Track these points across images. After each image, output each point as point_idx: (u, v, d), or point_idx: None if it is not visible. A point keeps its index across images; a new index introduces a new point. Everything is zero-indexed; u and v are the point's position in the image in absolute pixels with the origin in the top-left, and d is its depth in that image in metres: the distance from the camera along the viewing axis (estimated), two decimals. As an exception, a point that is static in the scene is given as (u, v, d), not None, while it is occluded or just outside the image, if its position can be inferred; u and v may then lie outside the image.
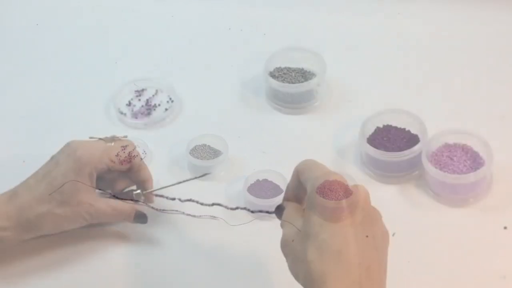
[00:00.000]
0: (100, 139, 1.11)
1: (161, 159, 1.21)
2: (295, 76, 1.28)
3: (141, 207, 1.11)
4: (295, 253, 0.86)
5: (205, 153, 1.19)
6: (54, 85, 1.35)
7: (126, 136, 1.12)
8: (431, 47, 1.34)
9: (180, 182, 1.13)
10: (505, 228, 1.09)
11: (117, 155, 1.09)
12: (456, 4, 1.39)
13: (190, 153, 1.19)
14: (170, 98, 1.29)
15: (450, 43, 1.34)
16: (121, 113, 1.28)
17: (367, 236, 0.84)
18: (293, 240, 0.87)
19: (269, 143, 1.23)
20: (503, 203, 1.12)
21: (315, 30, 1.39)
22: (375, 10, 1.41)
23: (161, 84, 1.31)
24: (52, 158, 1.08)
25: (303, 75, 1.28)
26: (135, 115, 1.28)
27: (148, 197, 1.12)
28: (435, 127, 1.16)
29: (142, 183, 1.12)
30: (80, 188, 1.05)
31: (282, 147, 1.22)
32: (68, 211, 1.05)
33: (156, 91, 1.31)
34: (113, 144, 1.10)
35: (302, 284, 0.84)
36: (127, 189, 1.13)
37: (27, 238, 1.07)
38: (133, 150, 1.10)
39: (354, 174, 1.17)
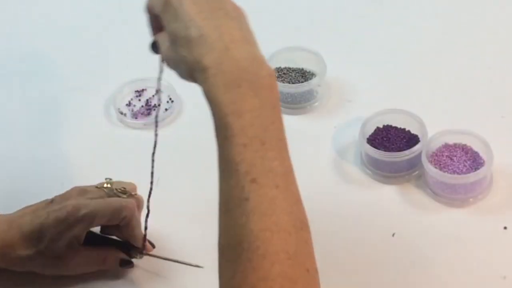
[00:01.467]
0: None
1: (160, 159, 1.21)
2: (295, 76, 1.28)
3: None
4: (174, 61, 0.91)
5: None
6: (53, 85, 1.35)
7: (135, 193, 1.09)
8: (431, 47, 1.34)
9: (175, 261, 1.08)
10: (505, 228, 1.09)
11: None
12: (456, 5, 1.39)
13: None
14: (170, 98, 1.29)
15: (450, 43, 1.34)
16: (121, 113, 1.28)
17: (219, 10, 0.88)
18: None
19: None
20: (503, 203, 1.12)
21: (315, 30, 1.39)
22: (375, 10, 1.41)
23: (161, 84, 1.31)
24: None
25: (303, 75, 1.28)
26: (135, 115, 1.28)
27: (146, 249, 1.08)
28: (435, 127, 1.16)
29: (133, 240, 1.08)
30: (63, 244, 1.02)
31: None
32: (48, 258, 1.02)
33: (156, 91, 1.31)
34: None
35: (190, 79, 0.90)
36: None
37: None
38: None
39: (354, 174, 1.17)
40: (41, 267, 1.04)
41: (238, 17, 0.89)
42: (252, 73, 0.84)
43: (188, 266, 1.05)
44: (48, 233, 1.01)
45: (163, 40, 0.92)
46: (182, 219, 1.14)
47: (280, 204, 0.82)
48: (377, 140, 1.17)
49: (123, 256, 1.07)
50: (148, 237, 1.08)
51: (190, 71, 0.88)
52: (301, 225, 0.84)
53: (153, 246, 1.08)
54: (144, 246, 1.06)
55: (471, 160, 1.13)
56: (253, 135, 0.82)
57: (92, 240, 1.06)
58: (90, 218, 1.02)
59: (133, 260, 1.07)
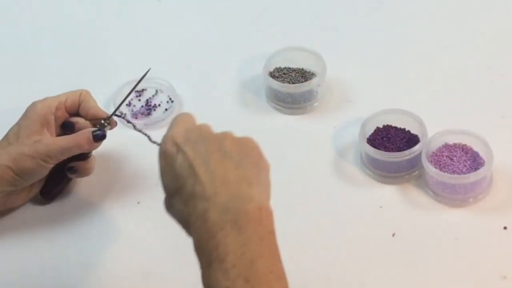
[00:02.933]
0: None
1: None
2: (295, 76, 1.28)
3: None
4: (173, 212, 0.92)
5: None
6: (53, 85, 1.35)
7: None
8: (431, 47, 1.34)
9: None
10: (505, 228, 1.09)
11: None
12: (456, 5, 1.39)
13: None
14: (170, 98, 1.29)
15: (450, 43, 1.34)
16: (121, 113, 1.28)
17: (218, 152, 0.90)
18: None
19: (269, 143, 1.22)
20: (503, 203, 1.12)
21: (315, 30, 1.39)
22: (375, 10, 1.41)
23: (161, 84, 1.31)
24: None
25: (303, 75, 1.28)
26: (135, 115, 1.28)
27: (111, 123, 1.15)
28: (435, 127, 1.16)
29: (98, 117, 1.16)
30: (33, 129, 1.10)
31: (282, 147, 1.22)
32: (22, 152, 1.08)
33: (156, 91, 1.31)
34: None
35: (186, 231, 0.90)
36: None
37: None
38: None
39: (354, 174, 1.17)
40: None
41: (239, 156, 0.90)
42: (236, 212, 0.85)
43: None
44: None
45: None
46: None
47: None
48: (377, 140, 1.17)
49: (93, 129, 1.12)
50: (149, 234, 1.08)
51: (184, 223, 0.89)
52: None
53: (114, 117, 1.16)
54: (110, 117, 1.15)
55: (471, 160, 1.13)
56: (235, 275, 0.82)
57: None
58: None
59: None
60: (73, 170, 1.13)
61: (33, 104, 1.13)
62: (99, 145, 1.13)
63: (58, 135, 1.13)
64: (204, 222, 0.85)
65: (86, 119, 1.15)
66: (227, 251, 0.83)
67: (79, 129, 1.13)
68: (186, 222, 0.88)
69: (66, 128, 1.14)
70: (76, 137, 1.11)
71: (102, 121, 1.14)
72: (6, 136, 1.11)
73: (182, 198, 0.88)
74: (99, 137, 1.12)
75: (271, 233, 0.87)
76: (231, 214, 0.85)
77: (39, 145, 1.09)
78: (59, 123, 1.14)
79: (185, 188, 0.88)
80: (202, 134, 0.92)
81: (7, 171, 1.07)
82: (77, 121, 1.15)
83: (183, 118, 0.96)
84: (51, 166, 1.09)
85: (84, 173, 1.14)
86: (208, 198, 0.86)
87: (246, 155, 0.90)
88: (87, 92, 1.17)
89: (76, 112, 1.16)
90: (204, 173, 0.88)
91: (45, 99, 1.14)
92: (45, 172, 1.10)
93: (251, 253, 0.83)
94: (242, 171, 0.89)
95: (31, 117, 1.11)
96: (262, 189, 0.89)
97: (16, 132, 1.11)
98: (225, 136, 0.92)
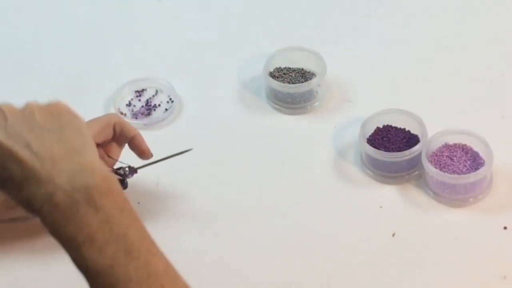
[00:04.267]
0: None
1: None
2: (295, 76, 1.28)
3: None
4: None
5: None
6: (53, 85, 1.35)
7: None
8: (431, 47, 1.34)
9: (165, 158, 1.12)
10: (505, 228, 1.09)
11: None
12: (456, 5, 1.40)
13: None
14: (170, 99, 1.29)
15: (450, 43, 1.34)
16: (121, 113, 1.28)
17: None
18: None
19: (269, 143, 1.23)
20: (503, 203, 1.12)
21: (315, 30, 1.39)
22: (375, 10, 1.41)
23: (161, 84, 1.31)
24: None
25: (303, 75, 1.28)
26: (135, 115, 1.28)
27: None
28: (435, 127, 1.16)
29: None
30: None
31: (282, 147, 1.22)
32: None
33: (156, 91, 1.31)
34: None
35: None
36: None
37: None
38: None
39: (354, 174, 1.17)
40: None
41: (54, 125, 0.85)
42: (83, 189, 0.81)
43: None
44: None
45: None
46: (182, 219, 1.14)
47: None
48: (377, 140, 1.17)
49: (116, 176, 1.07)
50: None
51: (28, 210, 0.83)
52: None
53: (151, 155, 1.10)
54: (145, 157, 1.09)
55: (471, 160, 1.13)
56: (113, 251, 0.81)
57: None
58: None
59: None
60: None
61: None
62: None
63: None
64: (54, 207, 0.81)
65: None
66: (93, 231, 0.81)
67: None
68: (28, 208, 0.83)
69: None
70: None
71: (126, 168, 1.09)
72: None
73: (13, 188, 0.83)
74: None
75: (126, 200, 0.84)
76: (79, 192, 0.81)
77: None
78: None
79: (12, 178, 0.82)
80: (7, 115, 0.85)
81: None
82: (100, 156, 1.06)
83: None
84: None
85: None
86: (47, 182, 0.81)
87: (62, 123, 0.85)
88: (120, 119, 1.10)
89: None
90: (30, 157, 0.82)
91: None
92: None
93: (119, 227, 0.81)
94: (66, 142, 0.84)
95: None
96: (92, 152, 0.85)
97: None
98: (31, 109, 0.86)
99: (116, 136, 1.10)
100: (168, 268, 0.83)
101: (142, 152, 1.10)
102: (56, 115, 0.86)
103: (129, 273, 0.80)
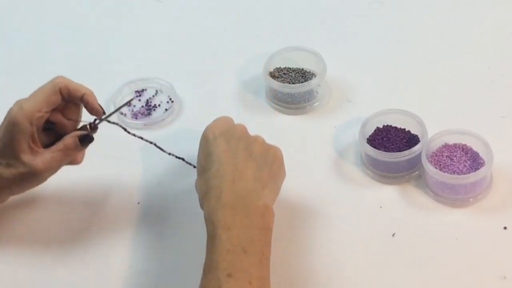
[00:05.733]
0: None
1: (161, 159, 1.21)
2: (295, 76, 1.28)
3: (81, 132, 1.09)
4: (197, 187, 1.06)
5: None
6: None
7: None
8: (431, 47, 1.34)
9: (117, 110, 1.13)
10: (505, 228, 1.09)
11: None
12: (456, 5, 1.40)
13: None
14: (170, 99, 1.30)
15: (450, 43, 1.34)
16: (121, 113, 1.28)
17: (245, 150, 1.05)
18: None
19: (269, 143, 1.23)
20: (503, 203, 1.12)
21: (315, 30, 1.39)
22: (375, 10, 1.41)
23: (161, 84, 1.31)
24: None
25: (303, 75, 1.28)
26: (135, 116, 1.28)
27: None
28: (435, 127, 1.16)
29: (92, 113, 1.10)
30: (19, 149, 1.04)
31: (282, 147, 1.22)
32: (16, 173, 1.05)
33: (156, 91, 1.31)
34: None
35: (201, 206, 1.03)
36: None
37: None
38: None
39: (354, 174, 1.17)
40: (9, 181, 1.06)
41: (263, 159, 1.06)
42: (248, 202, 1.00)
43: None
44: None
45: (198, 167, 1.07)
46: (182, 218, 1.14)
47: None
48: (377, 140, 1.17)
49: (79, 133, 1.07)
50: (149, 234, 1.08)
51: (201, 198, 1.03)
52: None
53: (103, 111, 1.10)
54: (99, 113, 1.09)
55: (471, 160, 1.13)
56: (237, 243, 0.96)
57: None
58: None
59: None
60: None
61: (14, 117, 1.04)
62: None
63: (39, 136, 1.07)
64: (218, 199, 1.00)
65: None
66: (233, 225, 0.97)
67: (61, 131, 1.09)
68: (203, 196, 1.02)
69: (47, 129, 1.08)
70: (63, 148, 1.06)
71: (87, 124, 1.09)
72: None
73: (206, 178, 1.03)
74: (87, 141, 1.08)
75: (270, 229, 1.01)
76: (243, 201, 1.00)
77: (29, 169, 1.04)
78: (41, 123, 1.06)
79: (210, 170, 1.03)
80: (237, 132, 1.07)
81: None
82: (58, 121, 1.09)
83: (225, 117, 1.10)
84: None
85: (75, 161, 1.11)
86: (227, 182, 1.01)
87: (268, 162, 1.05)
88: (66, 81, 1.09)
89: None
90: (229, 163, 1.03)
91: (23, 108, 1.05)
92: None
93: (251, 234, 0.98)
94: (260, 173, 1.04)
95: (14, 135, 1.04)
96: (272, 194, 1.04)
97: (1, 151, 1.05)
98: (256, 139, 1.07)
99: (66, 99, 1.08)
100: (264, 279, 0.97)
101: (91, 110, 1.09)
102: (271, 155, 1.07)
103: (234, 261, 0.95)
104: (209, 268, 0.95)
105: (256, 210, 1.00)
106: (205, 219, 1.00)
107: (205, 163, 1.05)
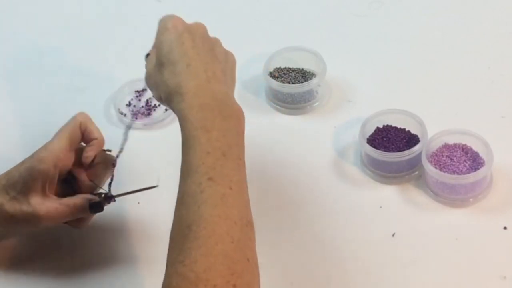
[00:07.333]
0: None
1: (160, 160, 1.21)
2: (295, 76, 1.28)
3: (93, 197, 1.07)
4: (155, 80, 1.02)
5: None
6: (53, 85, 1.35)
7: (110, 150, 1.11)
8: (431, 47, 1.34)
9: (132, 192, 1.10)
10: (505, 228, 1.09)
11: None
12: (456, 5, 1.40)
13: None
14: (170, 98, 1.29)
15: (450, 43, 1.34)
16: (121, 113, 1.28)
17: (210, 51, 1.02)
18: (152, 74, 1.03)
19: (269, 143, 1.23)
20: (503, 203, 1.12)
21: (315, 30, 1.39)
22: (375, 10, 1.41)
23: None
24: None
25: (303, 75, 1.28)
26: (135, 115, 1.28)
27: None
28: (435, 127, 1.16)
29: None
30: (33, 187, 1.02)
31: (282, 147, 1.22)
32: (18, 210, 1.02)
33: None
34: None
35: (165, 101, 1.00)
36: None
37: None
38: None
39: (354, 174, 1.17)
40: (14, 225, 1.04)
41: (224, 62, 1.03)
42: (224, 104, 0.97)
43: None
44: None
45: (152, 58, 1.04)
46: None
47: (231, 201, 0.90)
48: (377, 140, 1.17)
49: (92, 197, 1.06)
50: (149, 235, 1.08)
51: (169, 93, 0.99)
52: (247, 223, 0.91)
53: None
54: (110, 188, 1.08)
55: (471, 160, 1.13)
56: (216, 147, 0.93)
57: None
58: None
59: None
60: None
61: (41, 158, 1.04)
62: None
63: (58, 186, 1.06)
64: (195, 97, 0.96)
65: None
66: (212, 127, 0.94)
67: (79, 189, 1.08)
68: (172, 92, 0.98)
69: (67, 181, 1.08)
70: (71, 204, 1.04)
71: (103, 194, 1.07)
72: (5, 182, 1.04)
73: (172, 71, 0.99)
74: (95, 209, 1.06)
75: (244, 133, 0.98)
76: (220, 103, 0.96)
77: (32, 210, 1.02)
78: (64, 170, 1.07)
79: (178, 64, 0.99)
80: (200, 30, 1.04)
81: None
82: (79, 178, 1.09)
83: (176, 17, 1.07)
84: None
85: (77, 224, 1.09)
86: (202, 82, 0.98)
87: (229, 66, 1.04)
88: (86, 119, 1.10)
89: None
90: (199, 62, 0.99)
91: (48, 150, 1.05)
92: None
93: (229, 138, 0.95)
94: (225, 77, 1.01)
95: (35, 173, 1.03)
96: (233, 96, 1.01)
97: (14, 184, 1.03)
98: (217, 41, 1.05)
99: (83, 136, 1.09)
100: (242, 182, 0.94)
101: (84, 157, 1.09)
102: (229, 59, 1.05)
103: (214, 164, 0.92)
104: (188, 171, 0.92)
105: (232, 113, 0.97)
106: (179, 117, 0.96)
107: (169, 55, 1.00)
